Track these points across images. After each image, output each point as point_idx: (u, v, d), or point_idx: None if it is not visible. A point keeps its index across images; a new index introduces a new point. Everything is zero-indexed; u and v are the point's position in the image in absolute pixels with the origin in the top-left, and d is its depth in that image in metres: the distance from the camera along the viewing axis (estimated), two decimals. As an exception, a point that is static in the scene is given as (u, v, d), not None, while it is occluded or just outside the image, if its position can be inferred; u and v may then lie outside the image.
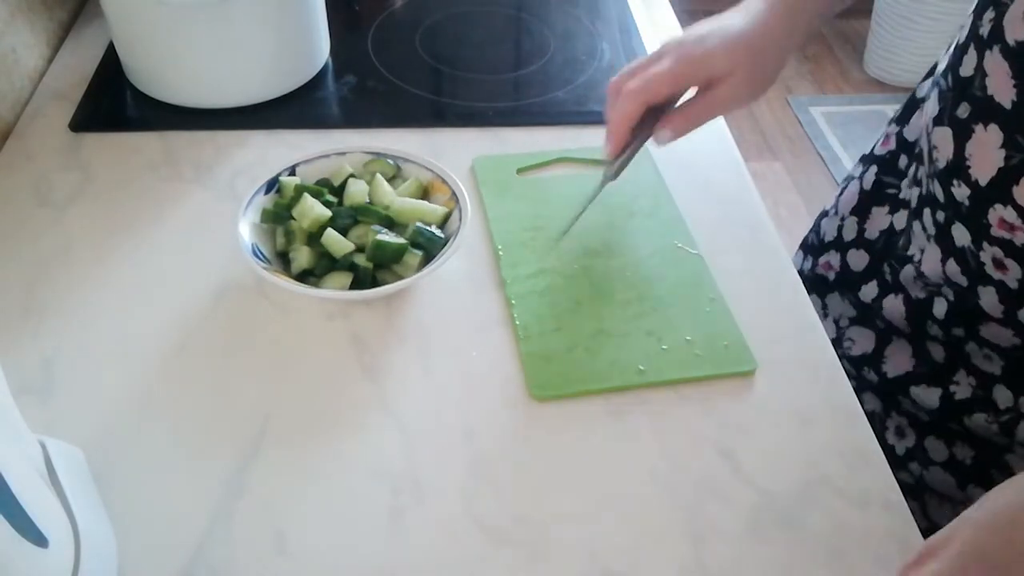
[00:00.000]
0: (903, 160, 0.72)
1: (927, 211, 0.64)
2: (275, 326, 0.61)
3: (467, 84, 0.85)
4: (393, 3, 0.96)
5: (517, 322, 0.61)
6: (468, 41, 0.92)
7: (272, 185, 0.65)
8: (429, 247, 0.62)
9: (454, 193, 0.65)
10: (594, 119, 0.78)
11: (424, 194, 0.67)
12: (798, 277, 0.67)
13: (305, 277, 0.62)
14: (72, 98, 0.80)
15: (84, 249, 0.66)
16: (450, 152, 0.76)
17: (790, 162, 2.28)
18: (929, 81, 0.70)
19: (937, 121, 0.60)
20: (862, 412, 0.58)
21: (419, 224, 0.62)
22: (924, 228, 0.65)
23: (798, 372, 0.60)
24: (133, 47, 0.78)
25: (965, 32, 0.59)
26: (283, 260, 0.63)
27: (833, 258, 0.77)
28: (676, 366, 0.59)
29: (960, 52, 0.59)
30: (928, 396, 0.67)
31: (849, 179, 0.79)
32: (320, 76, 0.84)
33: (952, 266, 0.61)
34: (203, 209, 0.70)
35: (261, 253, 0.61)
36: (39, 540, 0.40)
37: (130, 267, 0.65)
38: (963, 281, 0.61)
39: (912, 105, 0.72)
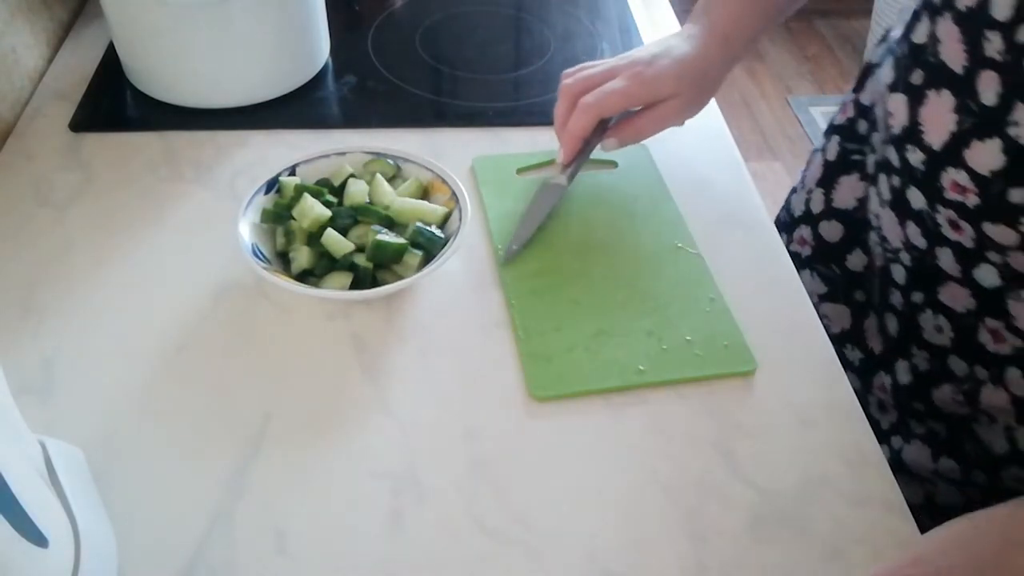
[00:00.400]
0: (863, 125, 0.74)
1: (882, 176, 0.65)
2: (275, 326, 0.61)
3: (467, 84, 0.85)
4: (393, 3, 0.96)
5: (517, 322, 0.61)
6: (468, 41, 0.92)
7: (272, 185, 0.65)
8: (429, 247, 0.62)
9: (454, 193, 0.65)
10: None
11: (424, 194, 0.67)
12: (798, 277, 0.67)
13: (305, 277, 0.62)
14: (72, 98, 0.80)
15: (84, 249, 0.66)
16: (450, 152, 0.76)
17: (790, 162, 2.28)
18: (883, 47, 0.71)
19: (892, 88, 0.61)
20: (862, 412, 0.58)
21: (419, 224, 0.62)
22: (879, 194, 0.66)
23: (798, 372, 0.60)
24: (133, 47, 0.78)
25: None
26: (283, 260, 0.63)
27: (805, 232, 0.79)
28: (676, 366, 0.59)
29: (913, 19, 0.60)
30: (902, 372, 0.69)
31: (814, 153, 0.81)
32: (320, 76, 0.84)
33: (912, 228, 0.63)
34: (203, 209, 0.70)
35: (261, 253, 0.61)
36: (39, 540, 0.40)
37: (130, 267, 0.65)
38: (922, 243, 0.62)
39: (867, 71, 0.74)
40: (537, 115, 0.81)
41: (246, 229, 0.61)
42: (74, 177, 0.72)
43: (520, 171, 0.74)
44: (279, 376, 0.58)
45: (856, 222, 0.73)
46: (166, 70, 0.78)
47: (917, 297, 0.65)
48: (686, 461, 0.55)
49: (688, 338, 0.61)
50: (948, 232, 0.59)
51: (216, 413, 0.56)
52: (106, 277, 0.64)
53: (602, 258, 0.66)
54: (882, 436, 0.72)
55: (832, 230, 0.76)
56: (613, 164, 0.75)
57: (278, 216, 0.63)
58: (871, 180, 0.69)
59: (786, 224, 0.82)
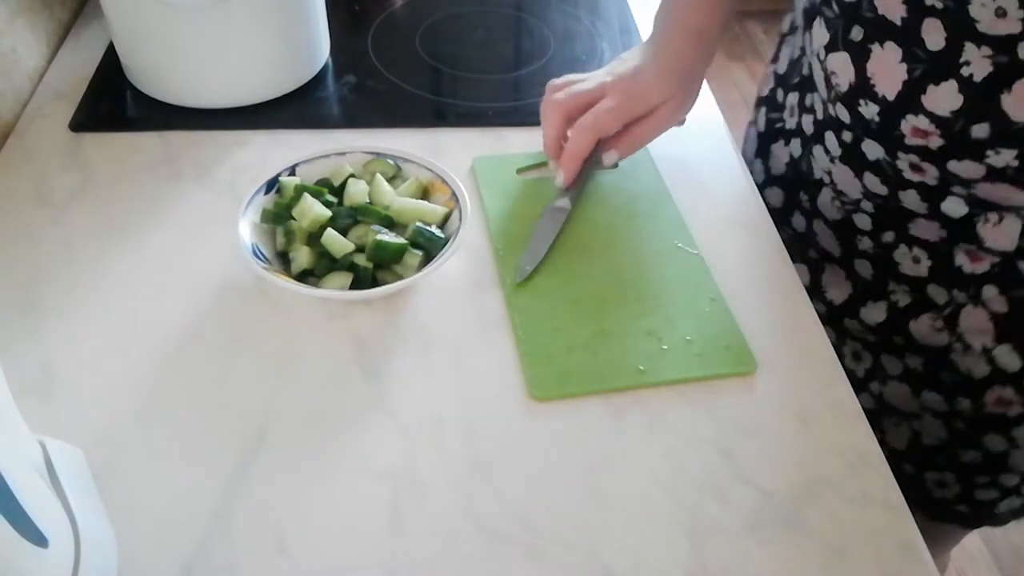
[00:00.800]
0: (779, 93, 0.77)
1: (829, 134, 0.68)
2: (275, 326, 0.61)
3: (467, 84, 0.85)
4: (393, 3, 0.96)
5: (517, 322, 0.61)
6: (468, 41, 0.92)
7: (272, 185, 0.65)
8: (429, 247, 0.62)
9: (454, 193, 0.65)
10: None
11: (424, 194, 0.67)
12: (798, 277, 0.67)
13: (305, 277, 0.62)
14: (72, 98, 0.80)
15: (84, 249, 0.66)
16: (450, 152, 0.76)
17: (790, 162, 2.28)
18: (790, 16, 0.75)
19: (831, 47, 0.62)
20: (862, 412, 0.58)
21: (419, 224, 0.62)
22: (827, 151, 0.69)
23: (798, 372, 0.60)
24: (133, 47, 0.78)
25: None
26: (283, 260, 0.63)
27: None
28: (676, 366, 0.59)
29: None
30: (875, 312, 0.71)
31: (747, 128, 0.85)
32: (320, 76, 0.84)
33: (870, 178, 0.64)
34: (203, 209, 0.70)
35: (261, 253, 0.61)
36: (39, 540, 0.40)
37: (130, 267, 0.65)
38: (883, 191, 0.64)
39: (780, 43, 0.78)
40: (537, 115, 0.80)
41: (246, 229, 0.61)
42: (74, 177, 0.72)
43: (520, 171, 0.74)
44: (279, 376, 0.58)
45: (789, 185, 0.77)
46: (166, 70, 0.78)
47: (888, 236, 0.67)
48: (686, 461, 0.55)
49: (688, 338, 0.61)
50: (910, 175, 0.61)
51: (216, 413, 0.56)
52: (106, 277, 0.64)
53: (602, 258, 0.66)
54: (860, 385, 0.75)
55: (776, 196, 0.79)
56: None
57: (278, 216, 0.63)
58: (813, 140, 0.71)
59: None
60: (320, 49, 0.84)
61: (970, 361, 0.67)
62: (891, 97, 0.58)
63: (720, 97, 0.85)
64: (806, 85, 0.72)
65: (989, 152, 0.56)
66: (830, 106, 0.65)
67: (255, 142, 0.76)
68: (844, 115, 0.64)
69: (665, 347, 0.60)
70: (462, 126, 0.79)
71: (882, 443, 0.72)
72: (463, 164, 0.75)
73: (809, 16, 0.66)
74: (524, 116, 0.81)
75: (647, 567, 0.50)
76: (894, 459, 0.71)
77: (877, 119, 0.60)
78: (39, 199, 0.70)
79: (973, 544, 1.53)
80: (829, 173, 0.69)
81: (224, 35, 0.75)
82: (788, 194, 0.77)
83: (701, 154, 0.77)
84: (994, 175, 0.57)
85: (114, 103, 0.80)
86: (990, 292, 0.64)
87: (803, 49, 0.72)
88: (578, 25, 0.94)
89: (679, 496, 0.53)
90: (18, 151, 0.74)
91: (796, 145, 0.75)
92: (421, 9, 0.95)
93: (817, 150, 0.70)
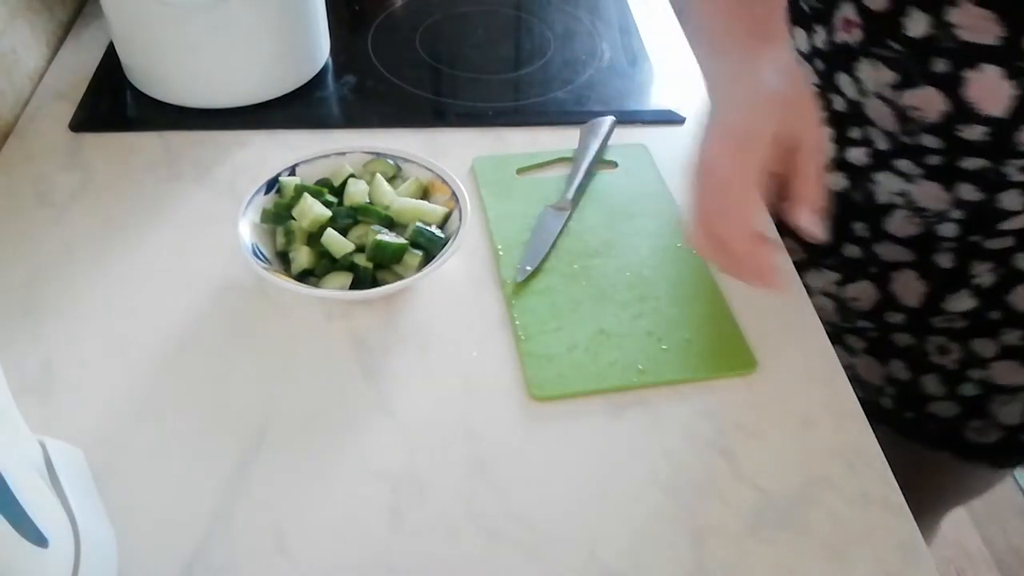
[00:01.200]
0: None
1: (904, 161, 0.65)
2: (275, 326, 0.61)
3: (467, 84, 0.85)
4: (393, 3, 0.96)
5: (517, 322, 0.61)
6: (468, 41, 0.92)
7: (272, 185, 0.65)
8: (429, 247, 0.62)
9: (454, 193, 0.65)
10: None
11: (424, 194, 0.67)
12: (799, 277, 0.67)
13: (305, 277, 0.62)
14: (72, 98, 0.80)
15: (84, 249, 0.66)
16: (450, 152, 0.76)
17: (790, 162, 2.28)
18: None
19: (905, 85, 0.61)
20: (862, 412, 0.58)
21: (419, 224, 0.62)
22: (902, 174, 0.66)
23: (798, 372, 0.60)
24: (133, 47, 0.78)
25: None
26: (283, 260, 0.63)
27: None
28: (676, 366, 0.59)
29: None
30: (960, 302, 0.71)
31: None
32: (320, 76, 0.84)
33: (965, 187, 0.64)
34: (203, 209, 0.70)
35: (261, 253, 0.61)
36: (39, 540, 0.40)
37: (130, 267, 0.65)
38: (977, 196, 0.63)
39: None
40: (537, 115, 0.81)
41: (246, 229, 0.61)
42: (74, 177, 0.72)
43: (520, 171, 0.74)
44: (279, 376, 0.58)
45: (833, 221, 0.73)
46: (166, 70, 0.78)
47: (975, 238, 0.67)
48: (686, 461, 0.55)
49: (688, 338, 0.61)
50: (1016, 176, 0.61)
51: (216, 413, 0.56)
52: (106, 277, 0.64)
53: (602, 258, 0.66)
54: (957, 376, 0.75)
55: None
56: (613, 164, 0.75)
57: (278, 216, 0.63)
58: (872, 169, 0.69)
59: None
60: (320, 49, 0.84)
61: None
62: (1001, 114, 0.58)
63: (720, 97, 0.85)
64: (844, 120, 0.68)
65: None
66: (905, 137, 0.64)
67: (255, 142, 0.76)
68: (932, 142, 0.62)
69: (665, 347, 0.60)
70: (462, 126, 0.79)
71: (994, 427, 0.75)
72: (463, 164, 0.75)
73: (835, 61, 0.65)
74: (524, 116, 0.81)
75: (647, 567, 0.50)
76: (1013, 438, 0.75)
77: (988, 138, 0.60)
78: (39, 199, 0.70)
79: (973, 544, 1.53)
80: (904, 194, 0.67)
81: (224, 35, 0.75)
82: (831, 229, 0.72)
83: (701, 154, 0.77)
84: None
85: (114, 103, 0.81)
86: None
87: (820, 87, 0.68)
88: (578, 25, 0.94)
89: (679, 496, 0.53)
90: (18, 151, 0.74)
91: (835, 179, 0.71)
92: (421, 9, 0.95)
93: (883, 176, 0.67)
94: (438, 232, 0.63)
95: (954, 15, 0.56)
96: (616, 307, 0.63)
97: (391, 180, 0.67)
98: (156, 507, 0.51)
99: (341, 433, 0.55)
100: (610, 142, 0.76)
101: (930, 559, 0.51)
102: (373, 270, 0.61)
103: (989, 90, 0.58)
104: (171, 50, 0.76)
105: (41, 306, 0.62)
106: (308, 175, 0.66)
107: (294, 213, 0.63)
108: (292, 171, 0.66)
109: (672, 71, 0.87)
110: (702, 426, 0.57)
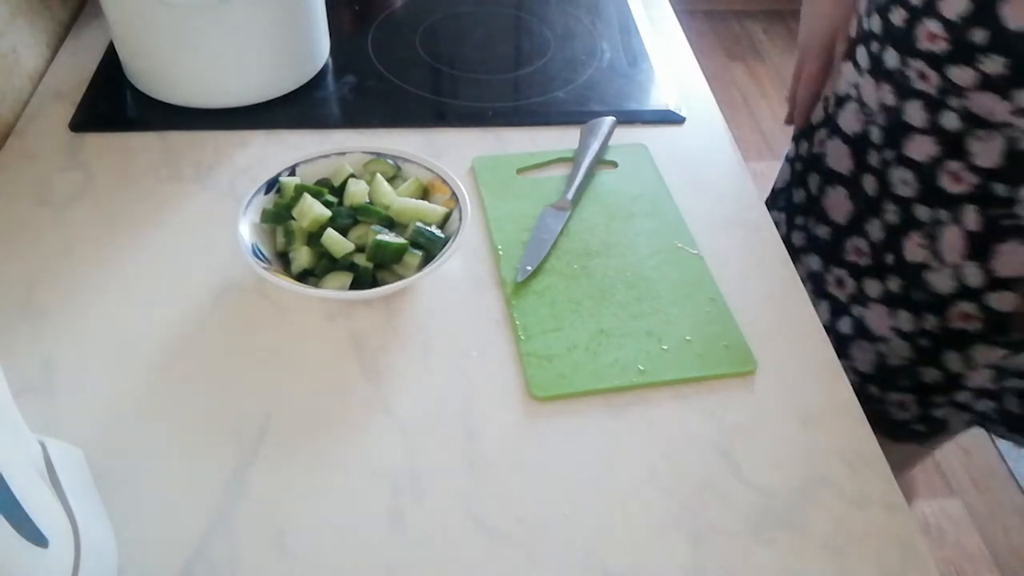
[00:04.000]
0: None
1: (861, 48, 0.74)
2: (275, 326, 0.61)
3: (467, 84, 0.85)
4: (393, 3, 0.96)
5: (517, 322, 0.61)
6: (468, 41, 0.92)
7: (272, 185, 0.65)
8: (429, 247, 0.62)
9: (454, 193, 0.65)
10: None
11: (424, 194, 0.67)
12: (798, 277, 0.67)
13: (305, 277, 0.62)
14: (72, 98, 0.80)
15: (84, 249, 0.66)
16: (450, 152, 0.76)
17: (790, 162, 2.28)
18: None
19: None
20: (862, 412, 0.58)
21: (419, 224, 0.62)
22: (857, 64, 0.75)
23: (798, 372, 0.60)
24: (133, 47, 0.78)
25: None
26: (283, 260, 0.63)
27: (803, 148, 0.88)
28: (676, 366, 0.59)
29: None
30: (875, 229, 0.76)
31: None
32: (320, 76, 0.84)
33: (884, 88, 0.71)
34: (203, 209, 0.70)
35: (261, 253, 0.61)
36: (39, 540, 0.40)
37: (130, 267, 0.65)
38: (893, 101, 0.70)
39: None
40: (537, 115, 0.81)
41: (246, 229, 0.61)
42: (74, 177, 0.72)
43: (520, 171, 0.74)
44: (279, 376, 0.58)
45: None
46: (166, 70, 0.78)
47: (888, 155, 0.72)
48: (686, 461, 0.55)
49: (688, 338, 0.61)
50: (916, 83, 0.68)
51: (216, 413, 0.56)
52: (106, 277, 0.64)
53: (602, 258, 0.67)
54: (843, 309, 0.80)
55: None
56: (613, 164, 0.75)
57: (278, 216, 0.63)
58: (851, 56, 0.77)
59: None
60: (320, 49, 0.84)
61: (941, 279, 0.72)
62: (916, 1, 0.65)
63: (720, 97, 0.85)
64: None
65: (983, 58, 0.62)
66: (865, 19, 0.73)
67: (255, 142, 0.76)
68: (876, 25, 0.71)
69: (665, 347, 0.60)
70: (462, 126, 0.79)
71: (850, 370, 0.80)
72: (463, 164, 0.75)
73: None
74: (524, 116, 0.81)
75: (647, 567, 0.50)
76: (860, 382, 0.81)
77: (903, 25, 0.67)
78: (39, 199, 0.70)
79: (973, 544, 1.53)
80: (857, 86, 0.75)
81: (224, 35, 0.75)
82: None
83: (701, 154, 0.77)
84: (985, 83, 0.63)
85: (114, 103, 0.81)
86: (968, 211, 0.68)
87: None
88: (578, 25, 0.94)
89: (679, 496, 0.53)
90: (18, 151, 0.74)
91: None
92: (421, 9, 0.95)
93: (846, 67, 0.77)
94: (438, 232, 0.63)
95: None
96: (616, 307, 0.63)
97: (391, 180, 0.67)
98: (156, 507, 0.51)
99: (341, 433, 0.55)
100: (610, 142, 0.76)
101: (930, 559, 0.51)
102: (373, 270, 0.61)
103: None
104: (171, 50, 0.76)
105: (41, 306, 0.62)
106: (308, 175, 0.66)
107: (294, 213, 0.63)
108: (292, 171, 0.66)
109: (672, 71, 0.87)
110: (702, 426, 0.57)
